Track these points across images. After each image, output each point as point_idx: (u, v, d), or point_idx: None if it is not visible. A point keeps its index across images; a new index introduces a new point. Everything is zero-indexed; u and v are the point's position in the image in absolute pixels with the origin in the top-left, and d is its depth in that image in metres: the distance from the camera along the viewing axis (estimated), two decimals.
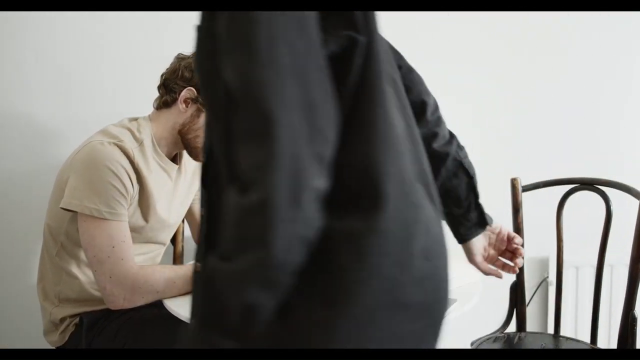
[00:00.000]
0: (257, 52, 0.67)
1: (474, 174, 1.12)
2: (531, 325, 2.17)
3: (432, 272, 0.79)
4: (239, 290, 0.67)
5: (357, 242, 0.73)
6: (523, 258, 1.23)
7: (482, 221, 1.15)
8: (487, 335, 1.79)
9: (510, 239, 1.20)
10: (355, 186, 0.74)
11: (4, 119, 1.91)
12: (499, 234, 1.19)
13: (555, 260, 1.85)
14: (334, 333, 0.72)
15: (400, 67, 1.07)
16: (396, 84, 0.89)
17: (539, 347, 1.74)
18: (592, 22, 2.11)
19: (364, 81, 0.76)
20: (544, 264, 2.17)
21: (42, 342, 1.61)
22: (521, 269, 1.85)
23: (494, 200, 2.09)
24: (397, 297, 0.75)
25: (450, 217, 1.14)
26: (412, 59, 2.03)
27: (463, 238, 1.16)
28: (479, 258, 1.19)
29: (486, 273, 1.22)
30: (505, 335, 1.81)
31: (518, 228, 1.84)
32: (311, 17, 0.72)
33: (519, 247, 1.19)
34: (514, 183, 1.84)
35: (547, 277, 2.15)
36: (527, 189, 1.85)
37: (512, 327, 1.87)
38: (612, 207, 1.73)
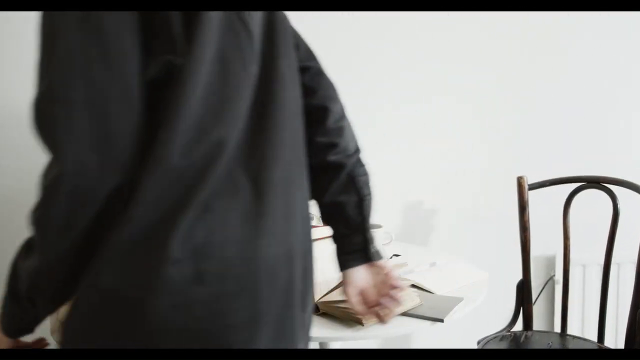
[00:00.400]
0: (50, 88, 0.71)
1: (366, 196, 1.00)
2: (538, 324, 2.16)
3: (205, 299, 0.74)
4: (23, 281, 0.79)
5: (95, 263, 0.75)
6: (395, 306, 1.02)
7: (366, 251, 1.00)
8: (493, 334, 1.79)
9: (392, 285, 1.00)
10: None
11: (9, 118, 1.91)
12: (386, 275, 1.01)
13: (562, 259, 1.84)
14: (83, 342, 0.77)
15: (308, 69, 1.01)
16: (269, 87, 0.86)
17: (546, 346, 1.73)
18: (596, 22, 2.10)
19: (163, 104, 0.76)
20: (550, 262, 2.17)
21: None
22: (527, 268, 1.84)
23: (500, 199, 2.11)
24: (146, 320, 0.73)
25: (336, 237, 1.03)
26: (414, 59, 2.04)
27: (342, 264, 1.01)
28: (353, 292, 1.01)
29: (355, 310, 1.05)
30: (512, 334, 1.80)
31: (524, 227, 1.83)
32: (124, 45, 0.73)
33: (397, 295, 1.00)
34: (520, 182, 1.83)
35: (554, 275, 2.15)
36: (533, 187, 1.84)
37: (518, 326, 1.86)
38: (619, 205, 1.72)
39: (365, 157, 1.98)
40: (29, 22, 1.86)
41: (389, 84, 2.06)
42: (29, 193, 1.91)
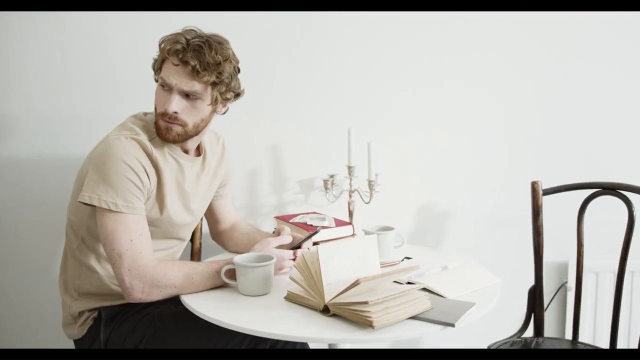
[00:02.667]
0: None
1: None
2: (549, 331, 2.14)
3: None
4: None
5: None
6: None
7: None
8: (504, 340, 1.78)
9: None
10: None
11: (30, 115, 1.93)
12: None
13: (575, 265, 1.83)
14: None
15: None
16: None
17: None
18: (618, 26, 2.07)
19: None
20: (563, 268, 2.15)
21: (60, 335, 1.63)
22: (540, 273, 1.83)
23: (514, 204, 2.09)
24: None
25: None
26: (430, 60, 2.03)
27: None
28: None
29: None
30: (523, 340, 1.79)
31: (538, 232, 1.82)
32: None
33: None
34: (534, 186, 1.82)
35: (566, 282, 2.13)
36: (548, 192, 1.83)
37: (529, 332, 1.85)
38: (634, 213, 1.71)
39: (379, 156, 1.97)
40: (56, 21, 1.89)
41: (403, 82, 2.05)
42: (52, 188, 1.94)
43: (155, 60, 1.49)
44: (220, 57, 1.42)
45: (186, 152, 1.56)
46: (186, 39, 1.41)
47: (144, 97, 1.89)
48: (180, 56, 1.40)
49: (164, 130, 1.46)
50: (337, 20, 1.98)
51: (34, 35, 1.90)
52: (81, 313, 1.52)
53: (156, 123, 1.47)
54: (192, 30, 1.46)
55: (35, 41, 1.90)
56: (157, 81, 1.49)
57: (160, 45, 1.45)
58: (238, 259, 1.39)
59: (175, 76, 1.41)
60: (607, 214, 1.86)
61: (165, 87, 1.43)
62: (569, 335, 2.11)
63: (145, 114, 1.55)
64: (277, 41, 1.97)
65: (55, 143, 1.94)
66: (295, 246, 1.55)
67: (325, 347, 1.57)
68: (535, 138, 2.11)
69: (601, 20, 2.05)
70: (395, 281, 1.41)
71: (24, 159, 1.94)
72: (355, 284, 1.21)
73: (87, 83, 1.92)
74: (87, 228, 1.48)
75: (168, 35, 1.45)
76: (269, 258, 1.40)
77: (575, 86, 2.10)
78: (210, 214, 1.77)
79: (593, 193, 1.78)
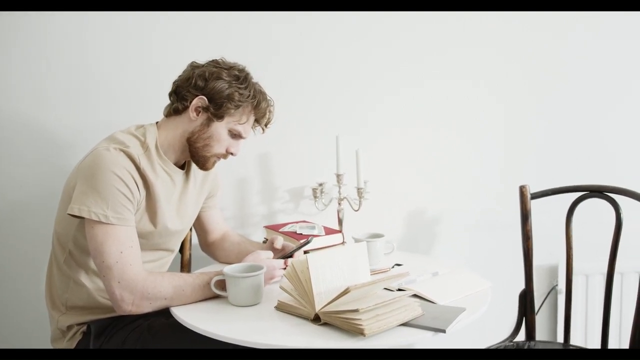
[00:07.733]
0: None
1: None
2: (540, 334, 2.15)
3: None
4: None
5: None
6: None
7: None
8: (496, 344, 1.78)
9: None
10: None
11: (16, 125, 1.91)
12: None
13: (565, 268, 1.83)
14: None
15: None
16: None
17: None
18: (604, 29, 2.10)
19: None
20: (553, 271, 2.16)
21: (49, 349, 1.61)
22: (530, 277, 1.84)
23: (502, 208, 2.10)
24: None
25: None
26: (420, 70, 2.04)
27: None
28: None
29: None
30: (515, 344, 1.79)
31: (527, 236, 1.82)
32: None
33: None
34: (522, 190, 1.83)
35: (557, 285, 2.14)
36: (535, 196, 1.84)
37: (521, 336, 1.85)
38: (622, 215, 1.71)
39: (368, 163, 1.97)
40: (40, 30, 1.88)
41: (390, 88, 2.06)
42: (40, 199, 1.92)
43: (226, 103, 1.49)
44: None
45: (176, 165, 1.56)
46: (268, 102, 1.58)
47: (133, 107, 1.90)
48: (266, 120, 1.60)
49: (212, 164, 1.57)
50: (322, 26, 1.99)
51: (20, 44, 1.88)
52: (70, 327, 1.50)
53: (204, 156, 1.54)
54: (257, 83, 1.56)
55: (21, 49, 1.88)
56: (213, 118, 1.51)
57: (250, 100, 1.51)
58: (228, 269, 1.39)
59: (250, 130, 1.59)
60: (595, 216, 1.87)
61: (234, 134, 1.54)
62: (560, 338, 2.11)
63: (137, 127, 1.54)
64: (262, 50, 1.97)
65: (43, 153, 1.92)
66: (287, 255, 1.54)
67: None
68: (523, 143, 2.13)
69: (593, 23, 2.08)
70: (385, 288, 1.41)
71: (11, 169, 1.93)
72: (346, 292, 1.21)
73: (75, 92, 1.91)
74: (75, 240, 1.47)
75: (257, 94, 1.53)
76: (259, 268, 1.40)
77: (562, 91, 2.12)
78: (200, 225, 1.76)
79: (580, 196, 1.79)
